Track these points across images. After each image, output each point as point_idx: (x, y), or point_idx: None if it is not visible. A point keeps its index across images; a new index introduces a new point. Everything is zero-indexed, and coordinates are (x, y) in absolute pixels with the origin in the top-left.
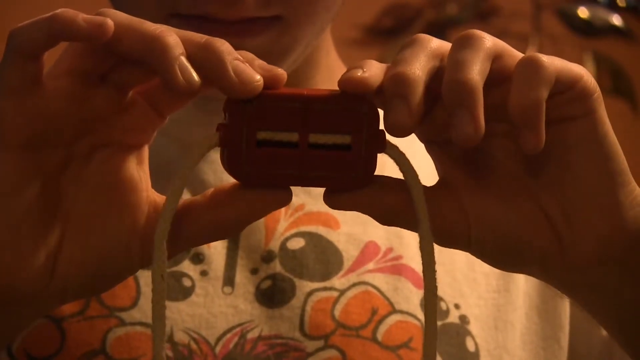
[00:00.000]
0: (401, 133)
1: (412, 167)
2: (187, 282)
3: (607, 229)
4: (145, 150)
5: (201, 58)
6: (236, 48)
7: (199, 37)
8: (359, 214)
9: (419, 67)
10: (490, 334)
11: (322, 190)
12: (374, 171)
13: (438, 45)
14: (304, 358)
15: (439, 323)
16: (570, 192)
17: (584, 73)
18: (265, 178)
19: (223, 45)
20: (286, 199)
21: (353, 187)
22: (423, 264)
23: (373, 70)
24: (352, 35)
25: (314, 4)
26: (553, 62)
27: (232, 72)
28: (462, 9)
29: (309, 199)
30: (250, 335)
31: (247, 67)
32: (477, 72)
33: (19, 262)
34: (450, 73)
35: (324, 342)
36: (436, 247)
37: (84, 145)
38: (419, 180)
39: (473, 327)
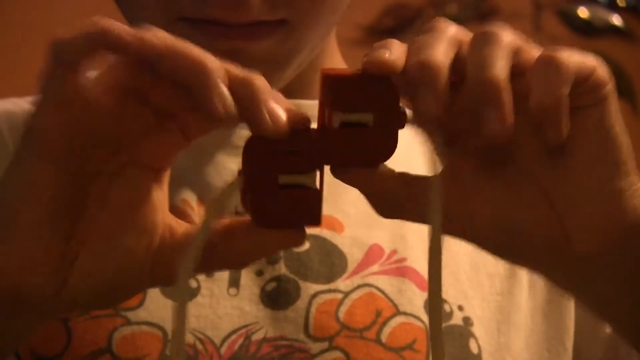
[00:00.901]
0: (428, 121)
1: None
2: (192, 284)
3: (607, 217)
4: (167, 174)
5: (239, 91)
6: (242, 52)
7: (239, 71)
8: (364, 217)
9: (443, 54)
10: (494, 336)
11: (325, 193)
12: (394, 149)
13: (457, 31)
14: (309, 359)
15: (442, 325)
16: (574, 181)
17: (597, 65)
18: (284, 221)
19: (262, 83)
20: (300, 241)
21: (375, 165)
22: (430, 253)
23: (397, 53)
24: (352, 35)
25: (319, 8)
26: (571, 57)
27: (265, 112)
28: (462, 9)
29: None
30: (255, 337)
31: (279, 109)
32: (503, 69)
33: (34, 266)
34: (476, 70)
35: (329, 343)
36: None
37: (113, 163)
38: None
39: (476, 329)
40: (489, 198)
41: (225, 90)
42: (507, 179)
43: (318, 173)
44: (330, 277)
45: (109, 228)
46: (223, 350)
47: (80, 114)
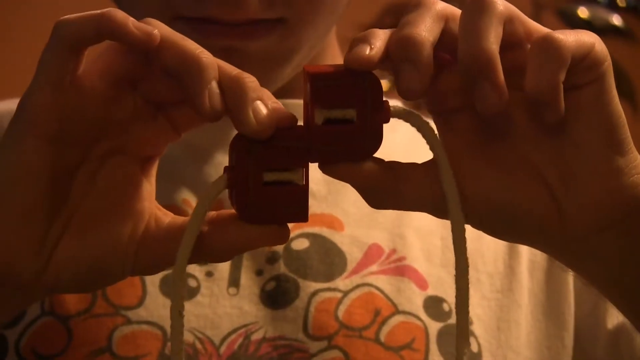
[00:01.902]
0: (412, 97)
1: (435, 134)
2: (192, 283)
3: (605, 194)
4: (155, 164)
5: (228, 89)
6: (239, 51)
7: (232, 69)
8: (364, 216)
9: (425, 29)
10: (493, 335)
11: (326, 192)
12: (380, 142)
13: (443, 6)
14: (308, 359)
15: (442, 324)
16: (570, 159)
17: (595, 41)
18: (270, 218)
19: (252, 82)
20: (284, 238)
21: (361, 160)
22: (452, 230)
23: (379, 45)
24: (352, 35)
25: (317, 6)
26: (568, 40)
27: (251, 111)
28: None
29: (313, 200)
30: (254, 337)
31: (265, 109)
32: (493, 39)
33: (17, 246)
34: (466, 42)
35: (327, 342)
36: (440, 249)
37: (101, 148)
38: (442, 147)
39: (476, 328)
40: (483, 178)
41: (215, 86)
42: (501, 158)
43: (304, 170)
44: (330, 276)
45: (93, 212)
46: (222, 349)
47: (74, 95)
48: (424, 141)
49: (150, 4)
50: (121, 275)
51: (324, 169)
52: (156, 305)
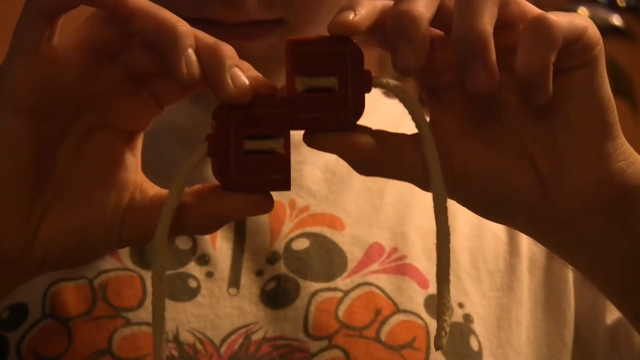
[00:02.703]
0: (409, 73)
1: (419, 106)
2: (193, 283)
3: (592, 179)
4: (140, 138)
5: (205, 56)
6: (239, 51)
7: (208, 38)
8: (364, 216)
9: (423, 5)
10: (494, 333)
11: (326, 192)
12: (362, 111)
13: None
14: (308, 358)
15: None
16: (558, 142)
17: (588, 25)
18: (252, 186)
19: (228, 51)
20: (268, 206)
21: (343, 128)
22: (434, 197)
23: (363, 12)
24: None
25: (316, 7)
26: (560, 22)
27: (229, 77)
28: None
29: (313, 200)
30: (255, 337)
31: (243, 75)
32: (488, 20)
33: (5, 220)
34: (461, 21)
35: (328, 342)
36: None
37: (84, 122)
38: (424, 118)
39: (477, 326)
40: (472, 154)
41: (191, 52)
42: (491, 137)
43: (285, 138)
44: (330, 276)
45: (78, 185)
46: (223, 350)
47: (51, 66)
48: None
49: None
50: (107, 246)
51: (307, 140)
52: None
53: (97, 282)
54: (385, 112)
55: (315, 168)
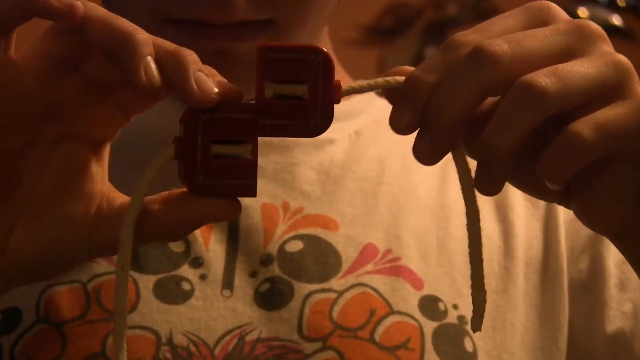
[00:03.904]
0: (423, 162)
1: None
2: (186, 286)
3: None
4: (107, 148)
5: (167, 63)
6: (228, 52)
7: (169, 44)
8: (358, 216)
9: (462, 100)
10: (489, 335)
11: (320, 193)
12: (331, 120)
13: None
14: (303, 359)
15: (437, 324)
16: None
17: (602, 65)
18: (218, 191)
19: (190, 56)
20: (236, 211)
21: (310, 136)
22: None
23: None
24: (352, 36)
25: (306, 7)
26: (554, 90)
27: (193, 81)
28: (462, 9)
29: (307, 202)
30: (249, 338)
31: (208, 79)
32: (516, 138)
33: None
34: (491, 133)
35: (322, 343)
36: (436, 248)
37: (48, 132)
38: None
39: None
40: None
41: (150, 59)
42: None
43: (253, 145)
44: (325, 277)
45: (45, 195)
46: (217, 351)
47: (6, 76)
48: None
49: (141, 8)
50: (78, 256)
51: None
52: (150, 310)
53: (91, 286)
54: (379, 112)
55: (309, 169)
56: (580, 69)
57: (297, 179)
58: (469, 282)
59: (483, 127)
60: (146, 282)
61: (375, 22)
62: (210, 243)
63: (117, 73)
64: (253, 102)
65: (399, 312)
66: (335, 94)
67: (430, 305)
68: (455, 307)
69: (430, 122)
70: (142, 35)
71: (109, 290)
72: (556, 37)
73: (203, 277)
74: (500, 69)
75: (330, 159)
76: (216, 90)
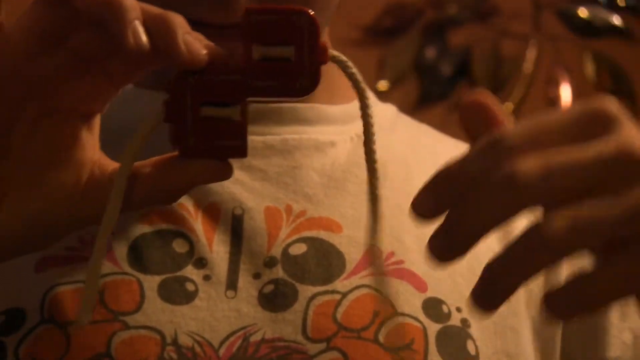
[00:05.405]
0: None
1: (363, 84)
2: (190, 287)
3: None
4: (97, 119)
5: (155, 27)
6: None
7: (156, 9)
8: (361, 218)
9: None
10: (491, 338)
11: (322, 196)
12: (318, 81)
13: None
14: None
15: (441, 326)
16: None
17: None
18: (209, 152)
19: (177, 19)
20: (227, 173)
21: (298, 96)
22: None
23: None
24: (352, 36)
25: (306, 7)
26: (567, 239)
27: (182, 43)
28: (462, 9)
29: (309, 205)
30: (253, 338)
31: (196, 41)
32: (521, 280)
33: None
34: (500, 272)
35: (326, 344)
36: None
37: (36, 106)
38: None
39: (474, 331)
40: None
41: (137, 23)
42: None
43: (241, 106)
44: (328, 278)
45: (34, 166)
46: (221, 352)
47: None
48: (422, 141)
49: None
50: (69, 225)
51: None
52: (154, 310)
53: None
54: (378, 116)
55: (311, 171)
56: (603, 215)
57: (299, 182)
58: (471, 285)
59: None
60: (150, 282)
61: (375, 22)
62: (214, 244)
63: (105, 42)
64: (241, 64)
65: (403, 314)
66: (322, 55)
67: (433, 307)
68: (458, 309)
69: (451, 227)
70: (130, 2)
71: (113, 291)
72: (599, 169)
73: (207, 277)
74: (529, 201)
75: (332, 162)
76: (204, 51)
